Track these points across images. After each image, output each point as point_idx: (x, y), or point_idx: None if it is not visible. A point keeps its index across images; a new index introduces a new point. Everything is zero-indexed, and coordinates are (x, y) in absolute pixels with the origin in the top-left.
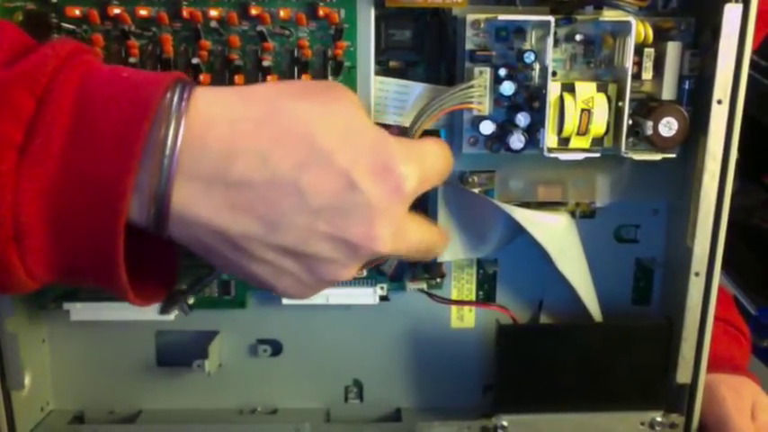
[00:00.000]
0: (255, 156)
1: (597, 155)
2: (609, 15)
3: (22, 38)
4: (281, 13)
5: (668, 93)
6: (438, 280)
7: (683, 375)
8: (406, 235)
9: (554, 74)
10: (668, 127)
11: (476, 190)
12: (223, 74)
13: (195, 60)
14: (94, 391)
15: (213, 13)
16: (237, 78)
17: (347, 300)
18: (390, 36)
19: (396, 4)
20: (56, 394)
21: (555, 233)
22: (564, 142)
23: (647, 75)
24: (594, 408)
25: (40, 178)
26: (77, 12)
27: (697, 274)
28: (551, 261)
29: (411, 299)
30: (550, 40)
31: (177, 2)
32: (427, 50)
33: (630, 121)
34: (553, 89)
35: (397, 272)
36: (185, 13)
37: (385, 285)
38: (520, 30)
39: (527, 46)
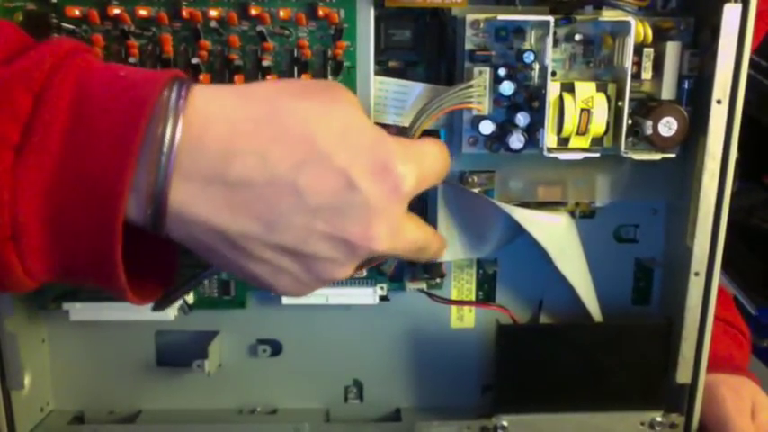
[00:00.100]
0: (254, 155)
1: (597, 155)
2: (608, 15)
3: (20, 36)
4: (281, 13)
5: (668, 93)
6: (438, 280)
7: (683, 375)
8: (402, 234)
9: (553, 74)
10: (668, 127)
11: (476, 190)
12: (223, 74)
13: (195, 60)
14: (94, 391)
15: (213, 13)
16: (237, 78)
17: (347, 300)
18: (390, 36)
19: (395, 4)
20: (56, 394)
21: (555, 233)
22: (563, 142)
23: (647, 75)
24: (594, 408)
25: (38, 177)
26: (77, 12)
27: (697, 274)
28: (551, 261)
29: (411, 299)
30: (550, 40)
31: (177, 2)
32: (427, 50)
33: (630, 121)
34: (553, 89)
35: (396, 272)
36: (185, 13)
37: (385, 285)
38: (519, 30)
39: (526, 46)
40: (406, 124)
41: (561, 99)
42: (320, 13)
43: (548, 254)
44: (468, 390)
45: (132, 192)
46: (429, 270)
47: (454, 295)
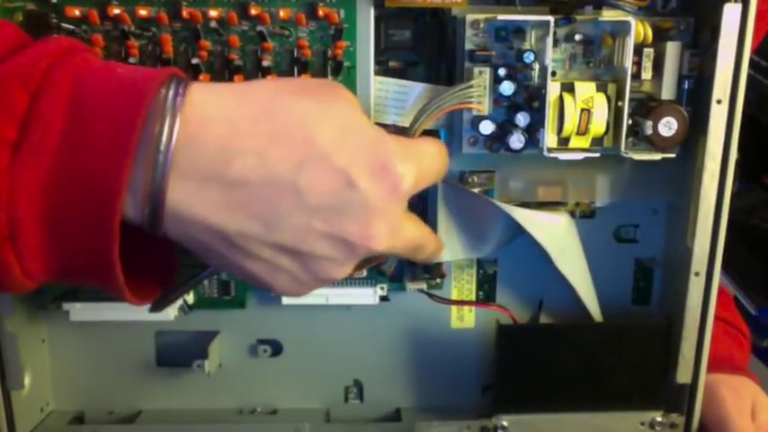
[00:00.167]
0: (253, 155)
1: (597, 155)
2: (608, 15)
3: (17, 35)
4: (281, 14)
5: (668, 93)
6: (438, 280)
7: (683, 375)
8: (401, 233)
9: (553, 74)
10: (668, 127)
11: (476, 190)
12: (223, 74)
13: (195, 60)
14: (94, 391)
15: (213, 13)
16: (237, 78)
17: (347, 300)
18: (390, 36)
19: (395, 4)
20: (56, 394)
21: (555, 233)
22: (563, 142)
23: (647, 75)
24: (594, 408)
25: (35, 176)
26: (77, 12)
27: (697, 274)
28: (551, 261)
29: (411, 299)
30: (550, 40)
31: (177, 2)
32: (427, 50)
33: (630, 121)
34: (553, 89)
35: (396, 272)
36: (185, 14)
37: (385, 285)
38: (519, 30)
39: (526, 46)
40: (406, 124)
41: (561, 99)
42: (320, 13)
43: (548, 254)
44: (468, 390)
45: (129, 191)
46: (429, 270)
47: (454, 295)
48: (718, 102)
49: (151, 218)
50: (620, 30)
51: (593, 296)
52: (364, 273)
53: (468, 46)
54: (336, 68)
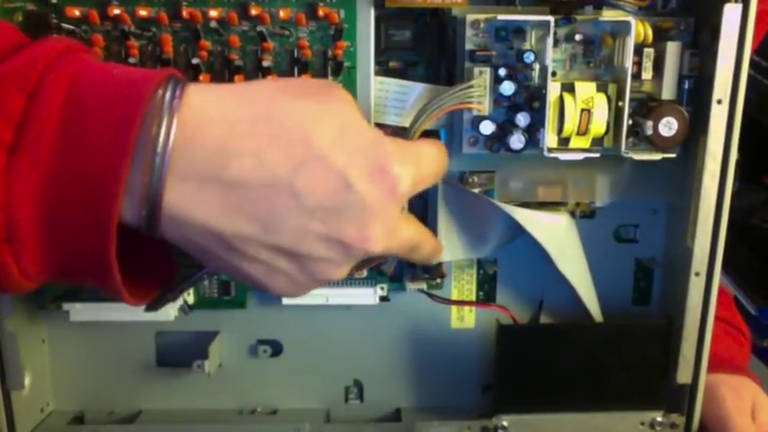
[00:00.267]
0: (251, 156)
1: (597, 155)
2: (608, 15)
3: (14, 36)
4: (281, 14)
5: (668, 93)
6: (438, 280)
7: (684, 375)
8: (397, 234)
9: (554, 74)
10: (668, 127)
11: (476, 190)
12: (223, 74)
13: (195, 61)
14: (94, 391)
15: (213, 13)
16: (237, 78)
17: (347, 300)
18: (390, 36)
19: (395, 5)
20: (56, 395)
21: (555, 233)
22: (564, 142)
23: (647, 75)
24: (594, 408)
25: (32, 178)
26: (77, 12)
27: (697, 274)
28: (551, 261)
29: (411, 299)
30: (550, 40)
31: (177, 2)
32: (427, 51)
33: (630, 121)
34: (553, 89)
35: (396, 272)
36: (185, 14)
37: (385, 285)
38: (519, 30)
39: (527, 46)
40: (407, 124)
41: (561, 99)
42: (320, 13)
43: (548, 254)
44: (468, 390)
45: (127, 193)
46: (429, 270)
47: (454, 295)
48: (719, 102)
49: (148, 220)
50: (621, 30)
51: (593, 296)
52: (364, 273)
53: (469, 46)
54: (336, 69)
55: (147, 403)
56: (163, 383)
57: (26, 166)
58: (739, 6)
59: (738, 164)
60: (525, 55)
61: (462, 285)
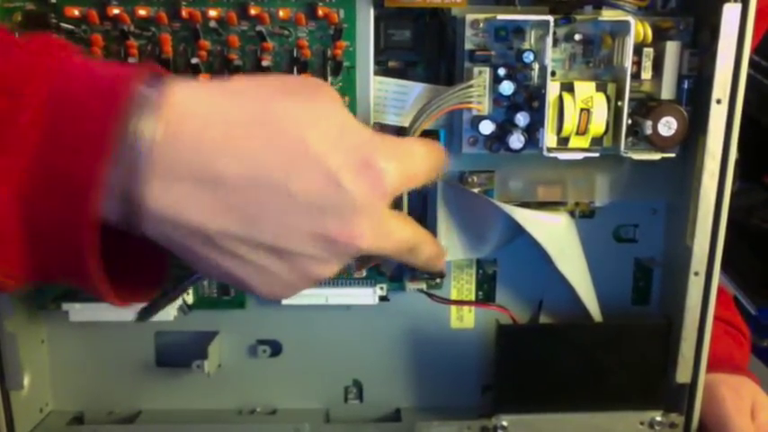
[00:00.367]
0: (232, 152)
1: (596, 154)
2: (608, 15)
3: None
4: (281, 13)
5: (667, 92)
6: (438, 280)
7: (683, 375)
8: (389, 232)
9: (553, 73)
10: (667, 126)
11: (475, 190)
12: (222, 74)
13: (194, 60)
14: (94, 391)
15: (212, 13)
16: None
17: (347, 300)
18: (390, 36)
19: (395, 4)
20: (55, 395)
21: (554, 233)
22: (563, 142)
23: (647, 74)
24: (594, 407)
25: (12, 177)
26: (76, 12)
27: (696, 274)
28: (551, 261)
29: (411, 299)
30: (549, 40)
31: (176, 2)
32: (426, 50)
33: (630, 121)
34: (552, 89)
35: (396, 272)
36: (184, 14)
37: (385, 285)
38: (519, 29)
39: (526, 46)
40: (406, 124)
41: (561, 99)
42: (320, 13)
43: (547, 254)
44: (468, 390)
45: (108, 191)
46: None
47: (454, 295)
48: (718, 101)
49: (129, 217)
50: (620, 29)
51: (592, 296)
52: (364, 273)
53: (468, 46)
54: (336, 68)
55: (147, 403)
56: (162, 383)
57: (6, 165)
58: (738, 6)
59: (738, 163)
60: (525, 55)
61: (462, 285)
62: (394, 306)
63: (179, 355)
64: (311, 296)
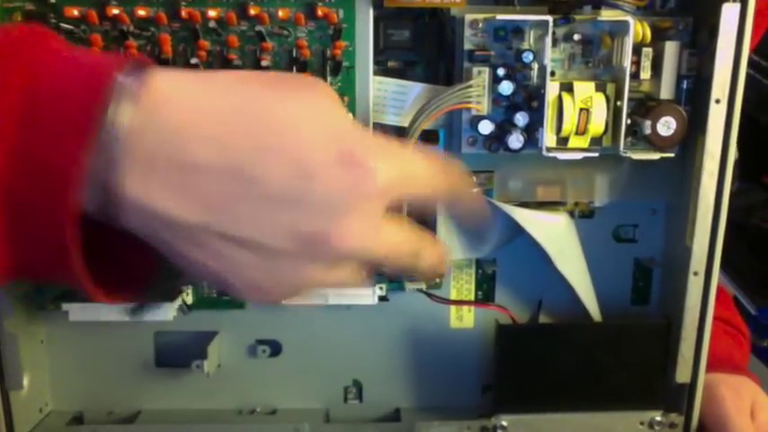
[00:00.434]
0: (209, 139)
1: (596, 154)
2: (607, 15)
3: None
4: (280, 13)
5: (666, 92)
6: (437, 280)
7: (683, 375)
8: (380, 236)
9: (552, 73)
10: (667, 126)
11: (475, 190)
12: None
13: (194, 60)
14: (93, 391)
15: (212, 13)
16: None
17: (346, 300)
18: (389, 36)
19: (394, 4)
20: (55, 395)
21: (554, 233)
22: (562, 142)
23: (646, 74)
24: (594, 407)
25: None
26: (76, 12)
27: (696, 274)
28: (550, 261)
29: (410, 299)
30: (549, 40)
31: (176, 2)
32: (426, 50)
33: (629, 121)
34: (551, 89)
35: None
36: (184, 14)
37: (384, 285)
38: (518, 29)
39: (525, 46)
40: (405, 124)
41: (560, 99)
42: (319, 12)
43: (547, 254)
44: (467, 390)
45: (86, 178)
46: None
47: (453, 295)
48: (717, 101)
49: (107, 207)
50: (619, 29)
51: (592, 296)
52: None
53: (467, 46)
54: (335, 68)
55: (147, 403)
56: (162, 383)
57: None
58: (737, 6)
59: (738, 163)
60: (524, 55)
61: (461, 285)
62: (393, 306)
63: (179, 355)
64: (311, 295)
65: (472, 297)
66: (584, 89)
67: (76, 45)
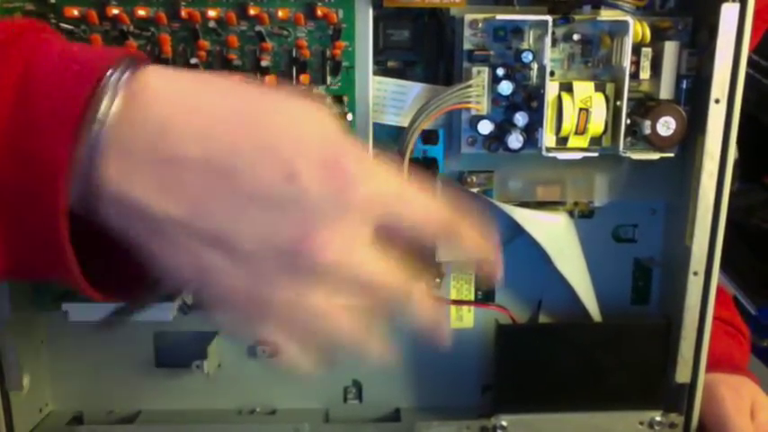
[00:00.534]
0: (192, 134)
1: (595, 154)
2: (606, 15)
3: None
4: (280, 14)
5: (666, 92)
6: (437, 280)
7: (682, 375)
8: (360, 255)
9: (552, 73)
10: (666, 126)
11: (474, 190)
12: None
13: (194, 60)
14: (93, 391)
15: (212, 13)
16: None
17: None
18: (388, 36)
19: (394, 4)
20: (54, 395)
21: (553, 233)
22: (562, 142)
23: (645, 74)
24: (593, 407)
25: None
26: (76, 12)
27: (695, 274)
28: (550, 261)
29: None
30: (548, 40)
31: (176, 2)
32: (425, 50)
33: (628, 121)
34: (551, 89)
35: None
36: (184, 14)
37: None
38: (518, 29)
39: (525, 46)
40: (405, 124)
41: (560, 99)
42: (319, 13)
43: (546, 254)
44: (467, 390)
45: (72, 170)
46: (428, 270)
47: (453, 295)
48: (717, 101)
49: (87, 198)
50: (619, 29)
51: (591, 296)
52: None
53: (467, 46)
54: (335, 68)
55: (146, 403)
56: (162, 384)
57: None
58: (737, 6)
59: (738, 163)
60: (523, 55)
61: (461, 285)
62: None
63: (178, 355)
64: None
65: (472, 297)
66: (584, 89)
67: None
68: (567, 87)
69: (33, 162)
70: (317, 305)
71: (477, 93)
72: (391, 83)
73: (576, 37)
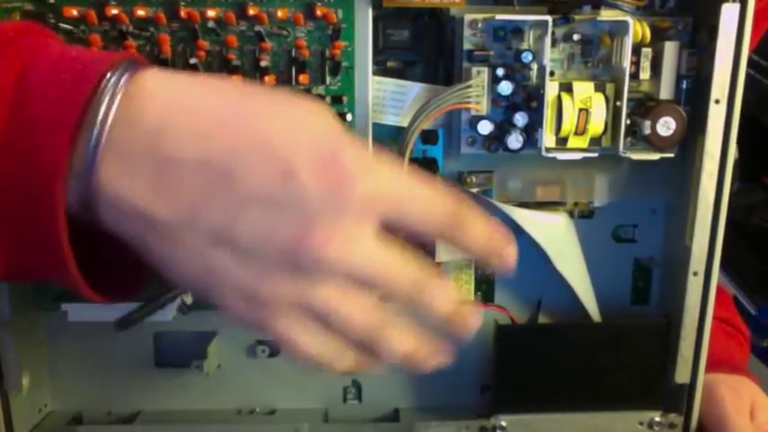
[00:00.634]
0: (189, 135)
1: (595, 154)
2: (606, 15)
3: None
4: (279, 14)
5: (666, 92)
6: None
7: (682, 375)
8: (364, 251)
9: (552, 73)
10: (666, 126)
11: (474, 190)
12: (221, 74)
13: (193, 61)
14: (93, 392)
15: (211, 13)
16: (235, 78)
17: None
18: (388, 36)
19: (393, 4)
20: (54, 395)
21: (553, 233)
22: (562, 142)
23: (645, 74)
24: (593, 407)
25: None
26: (75, 12)
27: (695, 274)
28: (550, 261)
29: None
30: (548, 40)
31: (175, 2)
32: (425, 50)
33: (628, 121)
34: (551, 89)
35: None
36: (183, 14)
37: None
38: (517, 29)
39: (525, 46)
40: (405, 124)
41: (559, 99)
42: (318, 13)
43: (546, 254)
44: (466, 390)
45: (69, 172)
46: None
47: None
48: (717, 101)
49: (86, 200)
50: (619, 29)
51: (591, 296)
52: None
53: (467, 46)
54: (334, 68)
55: (146, 404)
56: (161, 384)
57: None
58: (737, 6)
59: (738, 163)
60: (523, 55)
61: (461, 285)
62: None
63: (178, 355)
64: None
65: (471, 297)
66: (584, 89)
67: (75, 45)
68: (566, 87)
69: (31, 163)
70: (325, 301)
71: (476, 93)
72: (391, 83)
73: (575, 37)
